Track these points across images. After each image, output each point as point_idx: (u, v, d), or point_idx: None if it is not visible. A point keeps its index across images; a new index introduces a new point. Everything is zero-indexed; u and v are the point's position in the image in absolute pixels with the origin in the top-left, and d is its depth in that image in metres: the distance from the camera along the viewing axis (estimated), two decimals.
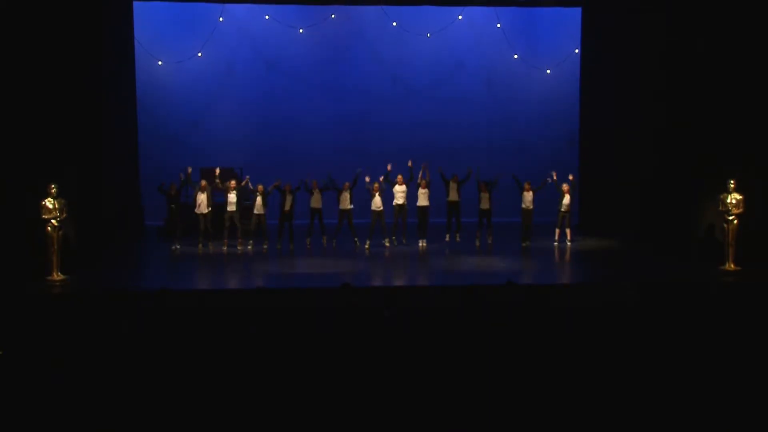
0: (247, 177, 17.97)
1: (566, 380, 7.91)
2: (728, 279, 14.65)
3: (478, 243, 17.93)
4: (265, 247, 17.67)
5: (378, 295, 12.62)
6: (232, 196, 17.54)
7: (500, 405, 7.57)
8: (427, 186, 17.90)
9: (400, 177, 17.78)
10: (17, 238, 14.90)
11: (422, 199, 17.91)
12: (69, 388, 7.76)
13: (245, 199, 18.21)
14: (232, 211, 17.55)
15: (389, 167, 17.82)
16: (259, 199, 17.60)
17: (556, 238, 18.12)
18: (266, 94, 22.00)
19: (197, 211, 17.68)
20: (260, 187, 17.61)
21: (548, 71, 22.04)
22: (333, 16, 21.36)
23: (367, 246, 17.61)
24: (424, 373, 7.99)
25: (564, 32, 21.68)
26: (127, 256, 17.45)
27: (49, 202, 14.64)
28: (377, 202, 17.60)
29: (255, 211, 17.71)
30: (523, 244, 17.78)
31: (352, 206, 17.65)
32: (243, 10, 21.14)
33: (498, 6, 21.08)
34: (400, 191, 17.74)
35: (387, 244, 17.78)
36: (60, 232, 14.75)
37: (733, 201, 15.12)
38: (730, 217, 15.13)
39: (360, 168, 17.89)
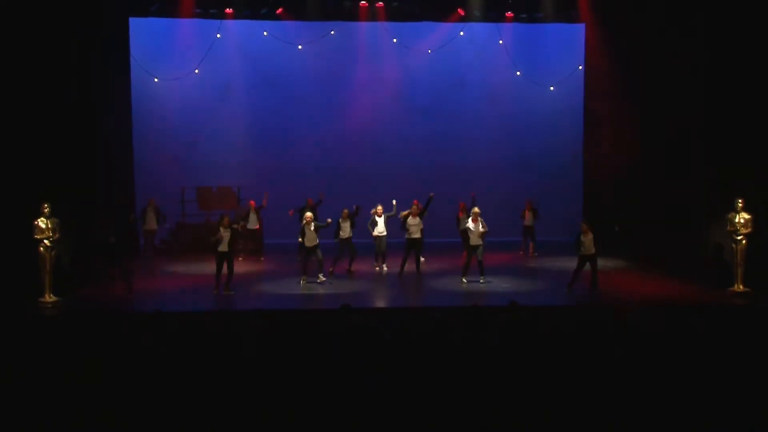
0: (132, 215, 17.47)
1: (567, 402, 7.73)
2: (737, 300, 14.33)
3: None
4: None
5: (378, 315, 12.40)
6: (226, 234, 15.18)
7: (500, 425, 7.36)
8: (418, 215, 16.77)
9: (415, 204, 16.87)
10: (8, 259, 14.54)
11: (414, 231, 16.66)
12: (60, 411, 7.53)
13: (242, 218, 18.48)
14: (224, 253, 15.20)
15: (394, 202, 17.16)
16: (252, 216, 18.40)
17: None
18: (264, 112, 21.81)
19: (145, 227, 18.70)
20: (251, 203, 18.66)
21: (551, 88, 21.82)
22: (333, 32, 21.15)
23: (384, 269, 17.19)
24: (424, 393, 7.79)
25: (567, 48, 21.51)
26: (122, 277, 17.10)
27: (42, 222, 14.27)
28: (380, 227, 17.05)
29: (249, 226, 18.23)
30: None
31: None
32: (241, 26, 20.94)
33: (500, 22, 20.85)
34: (413, 224, 16.61)
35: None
36: (53, 253, 14.40)
37: (741, 220, 14.79)
38: (739, 237, 14.80)
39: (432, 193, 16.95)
